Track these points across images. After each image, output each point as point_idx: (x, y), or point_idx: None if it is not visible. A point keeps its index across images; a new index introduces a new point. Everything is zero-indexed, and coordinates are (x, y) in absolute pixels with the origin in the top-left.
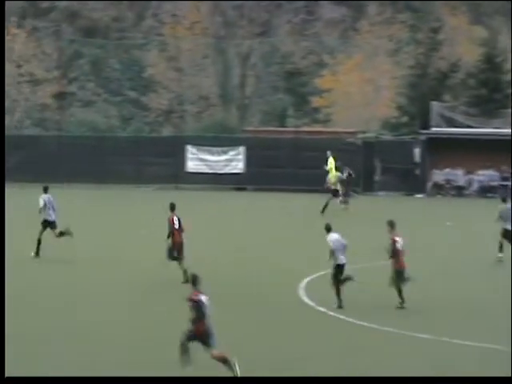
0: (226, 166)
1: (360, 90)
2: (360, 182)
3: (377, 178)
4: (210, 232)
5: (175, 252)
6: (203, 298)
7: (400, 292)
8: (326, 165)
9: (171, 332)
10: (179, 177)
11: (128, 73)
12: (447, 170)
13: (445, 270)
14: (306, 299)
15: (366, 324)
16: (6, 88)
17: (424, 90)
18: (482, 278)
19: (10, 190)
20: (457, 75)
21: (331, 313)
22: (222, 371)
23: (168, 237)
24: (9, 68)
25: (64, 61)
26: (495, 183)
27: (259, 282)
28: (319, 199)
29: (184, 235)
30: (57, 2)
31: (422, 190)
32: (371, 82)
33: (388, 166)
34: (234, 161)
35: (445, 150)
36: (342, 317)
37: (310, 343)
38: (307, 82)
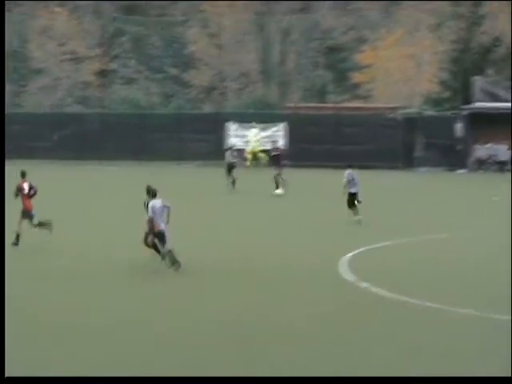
0: (267, 142)
1: (400, 66)
2: (400, 157)
3: (417, 153)
4: (246, 208)
5: (26, 214)
6: None
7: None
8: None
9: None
10: (220, 153)
11: (169, 50)
12: (489, 145)
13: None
14: (346, 276)
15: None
16: (49, 66)
17: (466, 64)
18: None
19: (52, 167)
20: (499, 49)
21: (373, 289)
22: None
23: (15, 196)
24: (51, 46)
25: (106, 38)
26: None
27: (299, 258)
28: (359, 174)
29: (34, 200)
30: None
31: (463, 166)
32: (412, 57)
33: (429, 141)
34: (274, 137)
35: (487, 125)
36: (383, 292)
37: (348, 317)
38: (347, 58)
